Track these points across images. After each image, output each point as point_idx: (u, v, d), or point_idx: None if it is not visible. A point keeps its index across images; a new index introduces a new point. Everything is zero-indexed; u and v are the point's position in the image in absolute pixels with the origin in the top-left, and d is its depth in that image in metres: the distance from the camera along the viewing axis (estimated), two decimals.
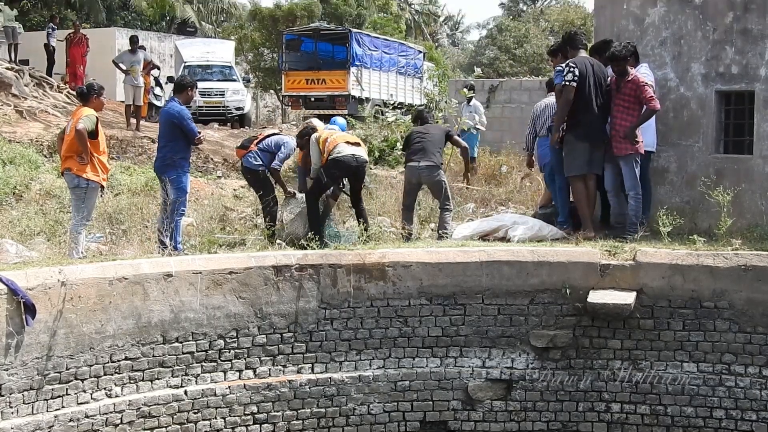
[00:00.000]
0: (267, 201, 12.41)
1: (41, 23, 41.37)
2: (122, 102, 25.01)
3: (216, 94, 29.42)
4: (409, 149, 12.62)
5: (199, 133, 11.87)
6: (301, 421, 10.33)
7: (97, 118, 11.06)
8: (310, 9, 42.25)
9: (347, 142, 12.02)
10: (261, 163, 12.52)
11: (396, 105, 25.51)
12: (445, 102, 18.68)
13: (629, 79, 11.30)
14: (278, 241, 11.97)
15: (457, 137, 13.23)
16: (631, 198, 11.45)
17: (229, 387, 10.01)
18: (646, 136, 11.49)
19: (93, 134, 10.93)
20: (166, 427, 9.63)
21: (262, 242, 11.77)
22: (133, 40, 23.90)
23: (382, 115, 23.04)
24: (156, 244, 11.21)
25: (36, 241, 11.53)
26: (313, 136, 12.48)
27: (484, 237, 11.79)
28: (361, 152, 12.09)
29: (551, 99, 12.57)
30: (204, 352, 9.89)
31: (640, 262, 10.46)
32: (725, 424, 10.26)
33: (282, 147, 12.62)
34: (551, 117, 12.43)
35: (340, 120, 13.56)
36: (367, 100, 32.51)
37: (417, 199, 13.18)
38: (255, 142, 12.73)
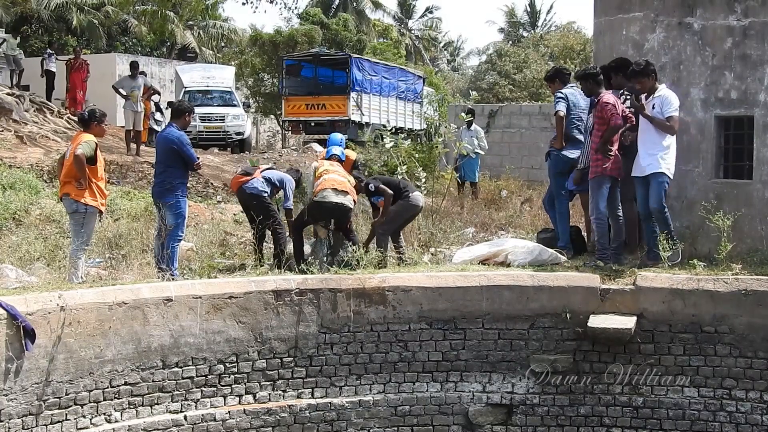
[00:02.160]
0: (275, 225, 12.38)
1: (42, 49, 41.52)
2: (122, 127, 25.05)
3: (216, 119, 29.46)
4: (403, 186, 12.72)
5: (198, 158, 11.85)
6: None
7: (96, 144, 11.07)
8: (310, 34, 42.41)
9: (334, 189, 11.99)
10: (267, 191, 12.50)
11: (395, 130, 25.51)
12: (445, 127, 18.69)
13: (596, 99, 11.33)
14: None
15: None
16: (592, 222, 11.34)
17: (229, 412, 9.99)
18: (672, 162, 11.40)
19: (92, 160, 10.94)
20: None
21: (268, 265, 11.66)
22: (134, 65, 23.96)
23: (382, 140, 23.08)
24: (155, 269, 11.19)
25: (36, 266, 11.52)
26: (314, 164, 12.51)
27: (484, 261, 11.78)
28: (346, 201, 12.04)
29: None
30: (204, 377, 9.87)
31: (641, 287, 10.45)
32: None
33: (286, 183, 12.63)
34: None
35: (338, 136, 13.51)
36: (367, 125, 32.60)
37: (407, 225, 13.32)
38: (258, 171, 12.66)
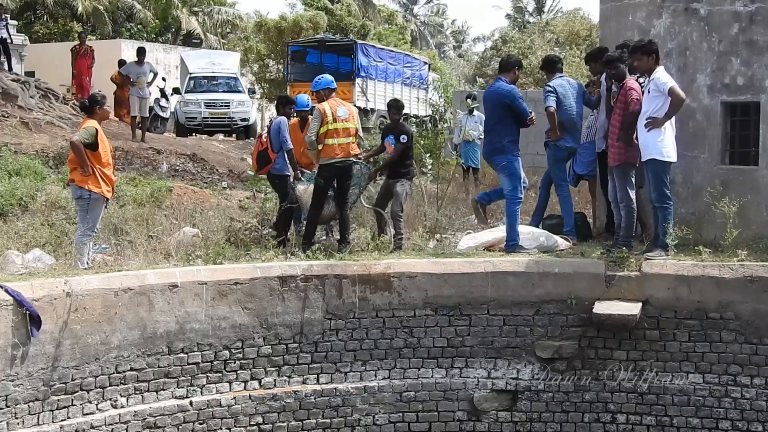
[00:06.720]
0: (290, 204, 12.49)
1: (47, 35, 41.48)
2: (128, 113, 24.98)
3: (221, 106, 29.39)
4: (409, 161, 12.78)
5: (531, 112, 11.48)
6: None
7: (96, 130, 10.90)
8: (315, 20, 42.31)
9: (336, 154, 12.03)
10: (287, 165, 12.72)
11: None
12: (451, 113, 18.64)
13: (621, 84, 11.16)
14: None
15: None
16: (621, 209, 11.22)
17: (235, 398, 10.02)
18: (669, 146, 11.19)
19: (93, 146, 10.83)
20: None
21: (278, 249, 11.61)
22: (141, 51, 23.89)
23: None
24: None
25: (36, 253, 11.50)
26: (322, 106, 12.54)
27: (490, 248, 11.77)
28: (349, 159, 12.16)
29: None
30: (209, 363, 9.90)
31: (646, 273, 10.46)
32: None
33: (282, 127, 12.86)
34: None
35: (304, 97, 13.84)
36: (373, 111, 32.54)
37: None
38: (270, 150, 12.68)
